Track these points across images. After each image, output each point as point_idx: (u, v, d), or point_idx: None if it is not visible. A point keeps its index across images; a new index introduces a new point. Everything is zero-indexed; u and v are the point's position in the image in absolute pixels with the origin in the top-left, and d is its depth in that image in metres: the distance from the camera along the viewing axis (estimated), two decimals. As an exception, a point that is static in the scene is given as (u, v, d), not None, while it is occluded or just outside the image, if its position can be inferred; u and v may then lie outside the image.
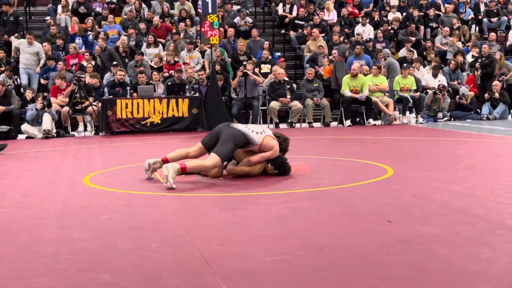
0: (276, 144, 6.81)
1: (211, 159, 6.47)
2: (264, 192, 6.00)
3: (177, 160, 6.78)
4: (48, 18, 17.50)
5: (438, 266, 3.48)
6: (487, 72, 15.32)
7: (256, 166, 6.79)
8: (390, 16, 18.96)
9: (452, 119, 14.75)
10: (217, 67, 14.39)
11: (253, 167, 6.77)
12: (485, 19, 19.63)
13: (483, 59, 15.54)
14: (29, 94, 13.76)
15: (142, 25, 17.05)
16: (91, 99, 13.26)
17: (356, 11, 19.13)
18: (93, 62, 15.04)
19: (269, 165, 6.85)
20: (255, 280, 3.34)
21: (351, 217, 4.82)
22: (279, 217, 4.87)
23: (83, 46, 16.21)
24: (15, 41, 15.38)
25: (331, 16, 18.68)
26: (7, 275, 3.57)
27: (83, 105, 13.24)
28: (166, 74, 14.91)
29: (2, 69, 14.61)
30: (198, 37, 15.99)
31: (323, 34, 17.29)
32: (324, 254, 3.79)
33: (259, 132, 6.73)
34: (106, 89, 13.68)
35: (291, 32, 18.17)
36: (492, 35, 17.62)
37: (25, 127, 12.81)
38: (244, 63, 14.34)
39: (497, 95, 14.81)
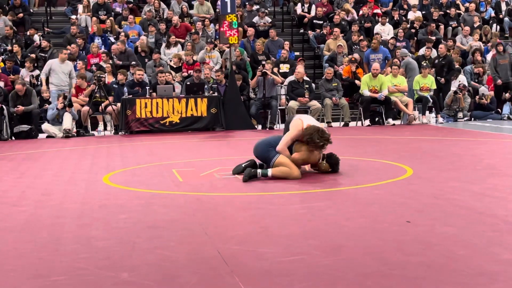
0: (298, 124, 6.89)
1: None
2: (282, 192, 6.00)
3: None
4: (74, 17, 17.65)
5: (456, 267, 3.45)
6: (443, 72, 14.99)
7: (313, 154, 6.81)
8: (411, 15, 18.86)
9: (473, 119, 14.62)
10: (235, 67, 14.41)
11: (308, 155, 6.80)
12: (506, 18, 19.43)
13: (440, 59, 15.23)
14: (46, 94, 13.87)
15: (162, 25, 17.14)
16: (111, 98, 13.35)
17: (379, 10, 19.03)
18: (110, 62, 15.13)
19: (324, 162, 6.92)
20: (272, 279, 3.34)
21: (369, 217, 4.80)
22: (296, 217, 4.87)
23: (102, 46, 16.32)
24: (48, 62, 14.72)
25: (350, 17, 18.62)
26: (27, 273, 3.60)
27: (103, 105, 13.31)
28: (185, 74, 14.96)
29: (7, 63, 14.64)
30: (217, 37, 16.02)
31: (342, 34, 17.24)
32: (341, 254, 3.78)
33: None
34: (125, 89, 13.75)
35: (310, 32, 18.14)
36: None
37: (45, 126, 12.93)
38: (263, 62, 14.33)
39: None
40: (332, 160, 6.97)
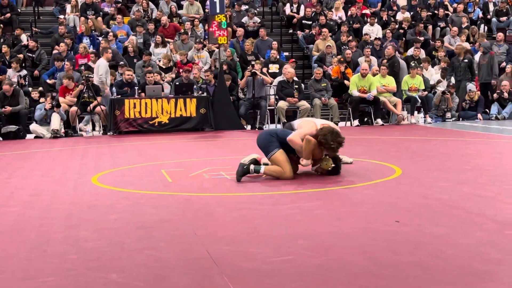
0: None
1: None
2: (272, 192, 6.00)
3: None
4: (62, 16, 17.57)
5: (446, 267, 3.46)
6: (391, 73, 14.87)
7: (320, 149, 6.66)
8: (399, 16, 18.93)
9: (461, 119, 14.69)
10: (225, 67, 14.40)
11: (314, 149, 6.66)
12: (494, 19, 19.55)
13: (387, 60, 15.20)
14: (35, 94, 13.80)
15: (151, 25, 17.10)
16: (99, 98, 13.30)
17: (368, 11, 19.09)
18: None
19: (327, 158, 6.71)
20: (263, 280, 3.33)
21: (359, 217, 4.81)
22: (287, 217, 4.86)
23: (91, 46, 16.25)
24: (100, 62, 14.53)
25: (339, 15, 18.66)
26: (15, 274, 3.58)
27: (91, 105, 13.24)
28: (173, 76, 14.93)
29: None
30: (206, 37, 16.01)
31: (330, 34, 17.27)
32: (332, 254, 3.78)
33: None
34: (114, 89, 13.71)
35: (299, 32, 18.16)
36: (500, 35, 17.54)
37: (33, 126, 12.85)
38: (252, 63, 14.33)
39: (506, 95, 14.76)
40: (336, 160, 6.82)
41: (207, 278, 3.40)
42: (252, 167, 6.74)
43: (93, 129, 13.66)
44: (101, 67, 13.54)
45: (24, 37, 16.33)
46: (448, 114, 14.53)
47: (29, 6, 19.28)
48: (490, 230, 4.25)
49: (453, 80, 15.27)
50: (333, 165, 6.78)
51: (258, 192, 6.05)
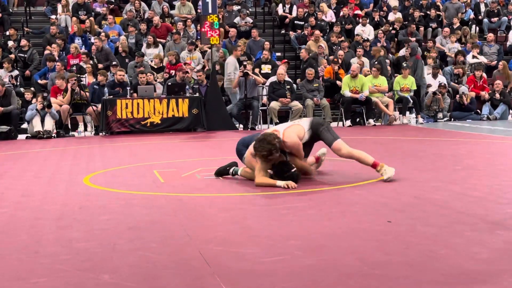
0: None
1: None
2: (263, 193, 6.00)
3: None
4: (53, 16, 17.52)
5: (437, 266, 3.48)
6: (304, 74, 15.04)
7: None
8: (391, 16, 18.98)
9: (452, 119, 14.74)
10: (217, 67, 14.39)
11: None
12: (485, 20, 19.64)
13: (303, 64, 15.21)
14: (28, 95, 13.74)
15: (143, 26, 17.08)
16: (87, 93, 13.35)
17: (359, 11, 19.13)
18: (91, 62, 15.05)
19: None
20: (254, 280, 3.34)
21: (350, 217, 4.82)
22: (278, 217, 4.87)
23: (83, 46, 16.22)
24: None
25: (328, 17, 18.69)
26: (6, 275, 3.56)
27: (80, 92, 13.16)
28: (166, 76, 14.91)
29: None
30: (199, 37, 16.01)
31: (321, 34, 17.30)
32: (323, 254, 3.79)
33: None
34: (106, 89, 13.69)
35: (291, 33, 18.18)
36: (490, 35, 17.65)
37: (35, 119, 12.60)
38: (244, 63, 14.33)
39: (497, 95, 14.82)
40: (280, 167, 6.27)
41: (199, 278, 3.40)
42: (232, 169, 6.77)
43: (85, 129, 13.63)
44: (229, 64, 13.67)
45: (10, 42, 16.17)
46: (440, 115, 14.58)
47: (21, 6, 19.22)
48: (481, 230, 4.27)
49: (444, 80, 15.32)
50: (269, 171, 6.30)
51: (250, 192, 6.05)
